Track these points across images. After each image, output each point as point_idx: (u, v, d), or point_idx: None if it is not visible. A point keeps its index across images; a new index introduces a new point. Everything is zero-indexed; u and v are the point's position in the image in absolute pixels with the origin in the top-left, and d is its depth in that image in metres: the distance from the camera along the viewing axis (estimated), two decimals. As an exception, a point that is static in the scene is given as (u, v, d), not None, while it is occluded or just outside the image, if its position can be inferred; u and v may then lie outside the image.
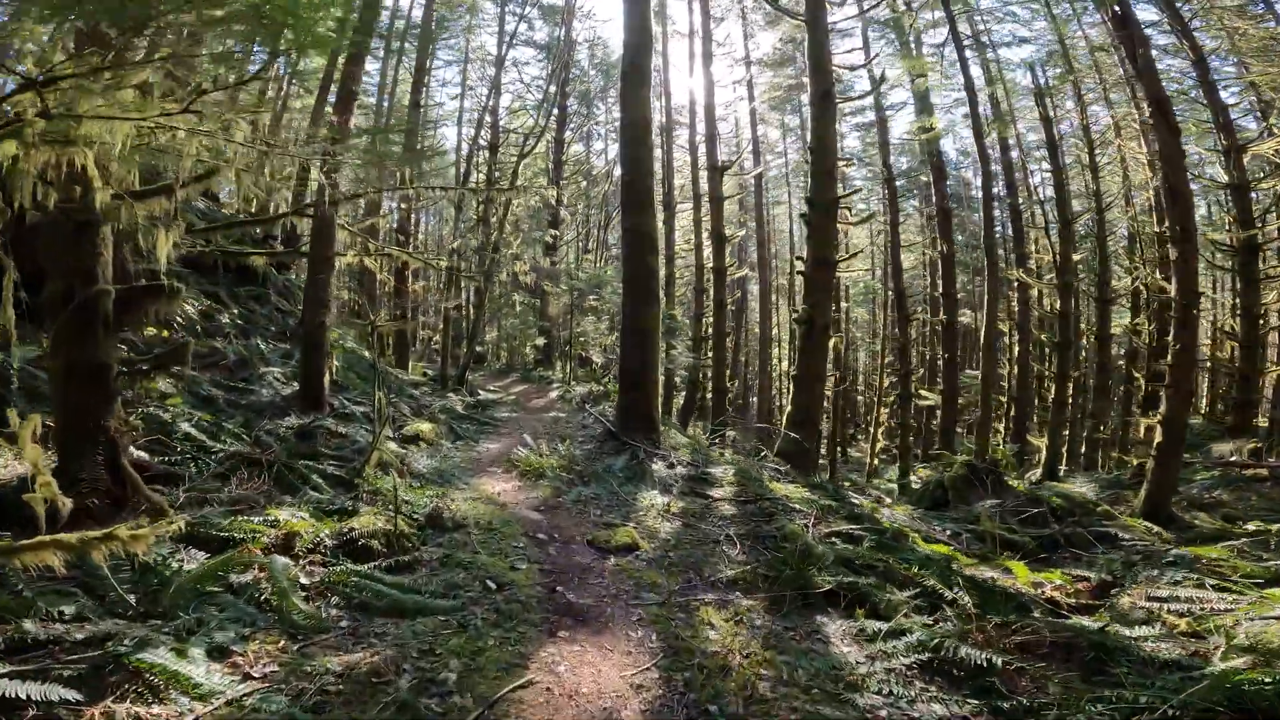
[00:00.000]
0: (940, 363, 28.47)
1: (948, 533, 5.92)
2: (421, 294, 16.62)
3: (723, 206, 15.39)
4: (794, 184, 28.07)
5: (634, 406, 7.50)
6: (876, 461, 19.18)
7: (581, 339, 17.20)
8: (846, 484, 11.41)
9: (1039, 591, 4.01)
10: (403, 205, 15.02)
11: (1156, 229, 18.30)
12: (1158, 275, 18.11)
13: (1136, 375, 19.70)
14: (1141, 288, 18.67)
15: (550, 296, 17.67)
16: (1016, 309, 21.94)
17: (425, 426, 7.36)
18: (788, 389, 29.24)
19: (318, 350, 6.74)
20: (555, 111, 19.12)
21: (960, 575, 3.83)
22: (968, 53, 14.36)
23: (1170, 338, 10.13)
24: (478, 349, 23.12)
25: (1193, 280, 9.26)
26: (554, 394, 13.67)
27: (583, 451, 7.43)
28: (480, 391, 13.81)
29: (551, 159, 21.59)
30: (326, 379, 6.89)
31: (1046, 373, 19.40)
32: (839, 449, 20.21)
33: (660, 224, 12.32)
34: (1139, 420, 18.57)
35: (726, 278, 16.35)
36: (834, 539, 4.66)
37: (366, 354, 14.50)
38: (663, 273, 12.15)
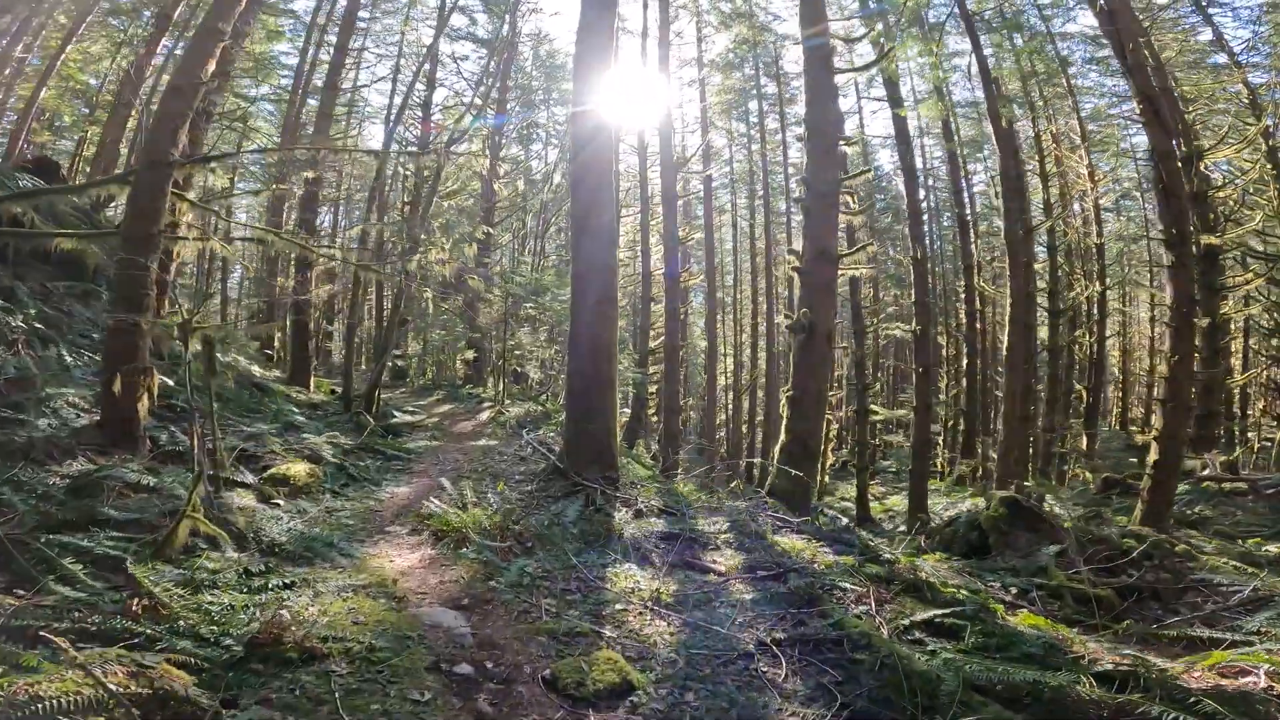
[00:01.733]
0: (895, 377, 28.48)
1: (1013, 591, 4.53)
2: (342, 297, 14.12)
3: (675, 206, 14.01)
4: (740, 191, 27.68)
5: (586, 436, 5.77)
6: (827, 478, 18.34)
7: (517, 353, 15.19)
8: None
9: (1264, 688, 2.61)
10: (299, 192, 12.62)
11: (1095, 240, 18.64)
12: (1098, 287, 18.39)
13: (1079, 387, 19.92)
14: (1082, 300, 18.88)
15: (482, 304, 15.56)
16: (964, 321, 21.86)
17: (300, 467, 5.26)
18: (730, 404, 28.35)
19: (127, 364, 4.57)
20: (495, 93, 17.25)
21: (1185, 689, 2.33)
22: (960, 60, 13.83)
23: (1166, 348, 9.55)
24: (399, 363, 20.42)
25: (1189, 287, 8.66)
26: (485, 415, 11.62)
27: (521, 495, 5.59)
28: (396, 413, 11.54)
29: (488, 156, 19.73)
30: (144, 405, 4.71)
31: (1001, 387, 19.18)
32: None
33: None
34: (1081, 431, 18.69)
35: (680, 284, 14.93)
36: (917, 634, 3.09)
37: (256, 370, 11.92)
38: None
